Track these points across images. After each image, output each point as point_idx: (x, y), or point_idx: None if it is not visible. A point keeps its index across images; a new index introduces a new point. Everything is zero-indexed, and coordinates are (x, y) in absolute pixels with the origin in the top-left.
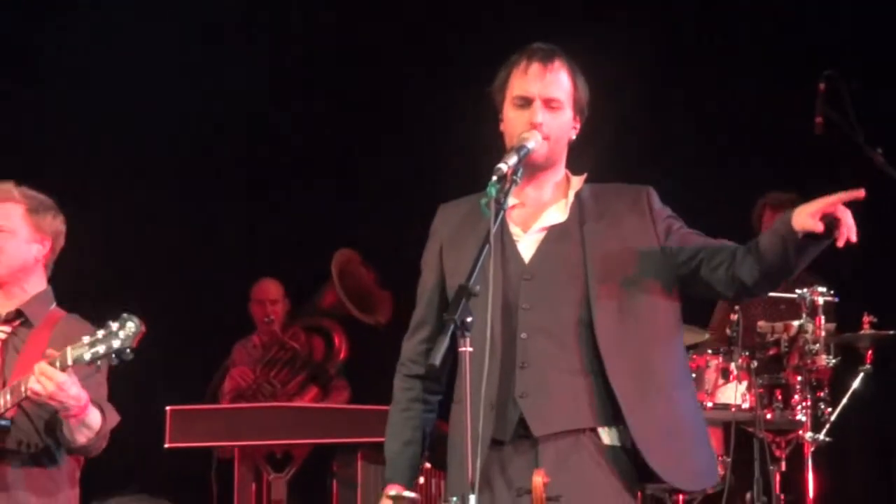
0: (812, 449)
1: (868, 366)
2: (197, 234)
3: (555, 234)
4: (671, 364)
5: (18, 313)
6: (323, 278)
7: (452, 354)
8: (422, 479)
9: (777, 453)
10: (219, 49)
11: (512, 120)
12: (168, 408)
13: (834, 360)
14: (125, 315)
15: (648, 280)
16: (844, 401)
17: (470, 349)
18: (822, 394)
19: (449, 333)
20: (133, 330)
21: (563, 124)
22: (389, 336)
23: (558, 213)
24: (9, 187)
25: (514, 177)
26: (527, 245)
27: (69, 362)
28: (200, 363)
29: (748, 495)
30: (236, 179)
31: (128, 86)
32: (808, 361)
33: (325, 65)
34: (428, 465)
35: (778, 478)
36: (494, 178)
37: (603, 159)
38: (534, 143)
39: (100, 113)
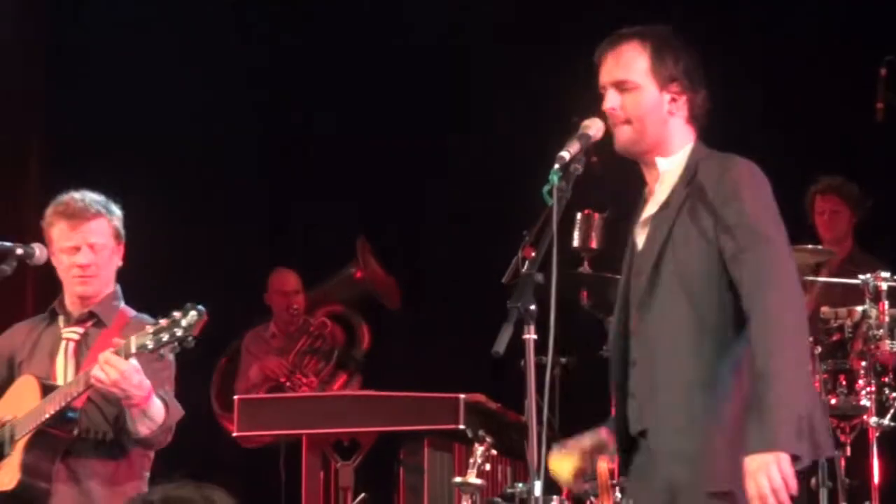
0: (877, 434)
1: None
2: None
3: (652, 227)
4: (702, 364)
5: (91, 314)
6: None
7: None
8: (488, 466)
9: (842, 438)
10: (239, 36)
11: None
12: (236, 397)
13: None
14: (188, 304)
15: (696, 278)
16: None
17: (534, 336)
18: (886, 379)
19: (513, 321)
20: (195, 318)
21: (643, 103)
22: (423, 327)
23: (653, 206)
24: (99, 201)
25: (576, 164)
26: (639, 239)
27: (133, 349)
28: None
29: (813, 480)
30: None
31: (145, 76)
32: (872, 347)
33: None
34: (494, 451)
35: (843, 463)
36: (557, 165)
37: None
38: (594, 129)
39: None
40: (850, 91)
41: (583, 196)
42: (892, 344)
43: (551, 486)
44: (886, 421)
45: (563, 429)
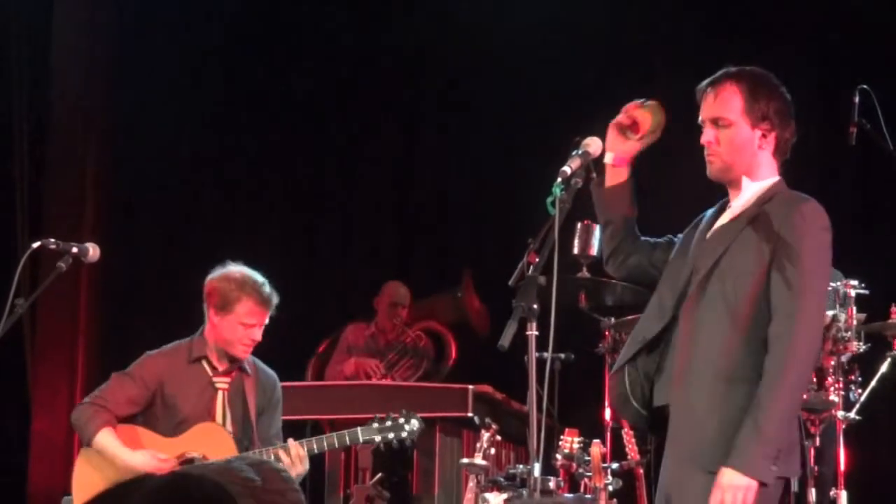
0: (843, 426)
1: (895, 351)
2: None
3: (716, 235)
4: (734, 360)
5: (236, 366)
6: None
7: None
8: (493, 450)
9: (812, 430)
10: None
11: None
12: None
13: (864, 347)
14: (409, 412)
15: (745, 289)
16: (873, 383)
17: (536, 333)
18: (852, 377)
19: (517, 319)
20: (417, 427)
21: (735, 138)
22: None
23: (728, 216)
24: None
25: (577, 178)
26: (706, 240)
27: (360, 440)
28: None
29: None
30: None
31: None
32: (841, 347)
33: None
34: (499, 437)
35: (812, 452)
36: (559, 179)
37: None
38: (594, 147)
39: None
40: (826, 116)
41: (583, 208)
42: (859, 345)
43: (549, 469)
44: (852, 415)
45: (560, 417)
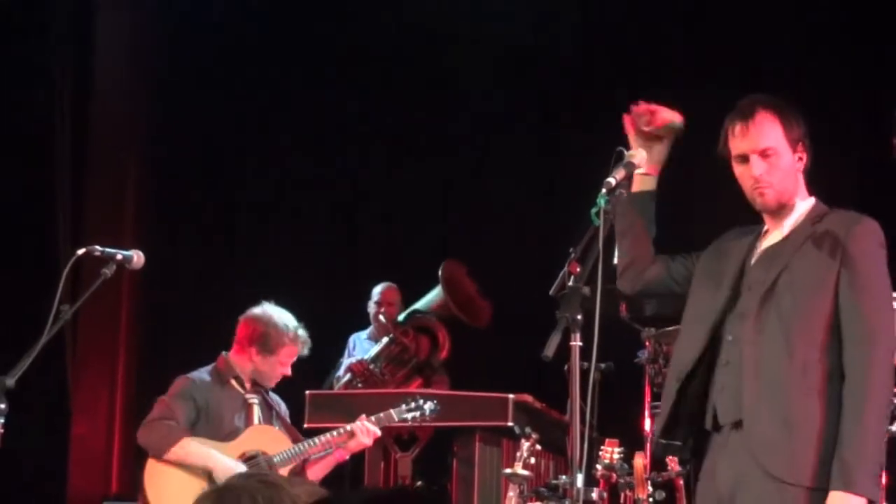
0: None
1: None
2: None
3: (769, 254)
4: (805, 374)
5: (257, 384)
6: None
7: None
8: (532, 460)
9: None
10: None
11: (739, 176)
12: (307, 392)
13: None
14: (426, 397)
15: (811, 304)
16: None
17: (580, 343)
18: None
19: (561, 329)
20: (434, 409)
21: (784, 166)
22: (482, 333)
23: (778, 236)
24: None
25: (621, 189)
26: (754, 259)
27: (395, 420)
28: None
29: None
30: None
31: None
32: None
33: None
34: (539, 447)
35: None
36: (604, 190)
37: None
38: (638, 159)
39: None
40: (868, 130)
41: None
42: None
43: (589, 479)
44: (893, 428)
45: (600, 427)
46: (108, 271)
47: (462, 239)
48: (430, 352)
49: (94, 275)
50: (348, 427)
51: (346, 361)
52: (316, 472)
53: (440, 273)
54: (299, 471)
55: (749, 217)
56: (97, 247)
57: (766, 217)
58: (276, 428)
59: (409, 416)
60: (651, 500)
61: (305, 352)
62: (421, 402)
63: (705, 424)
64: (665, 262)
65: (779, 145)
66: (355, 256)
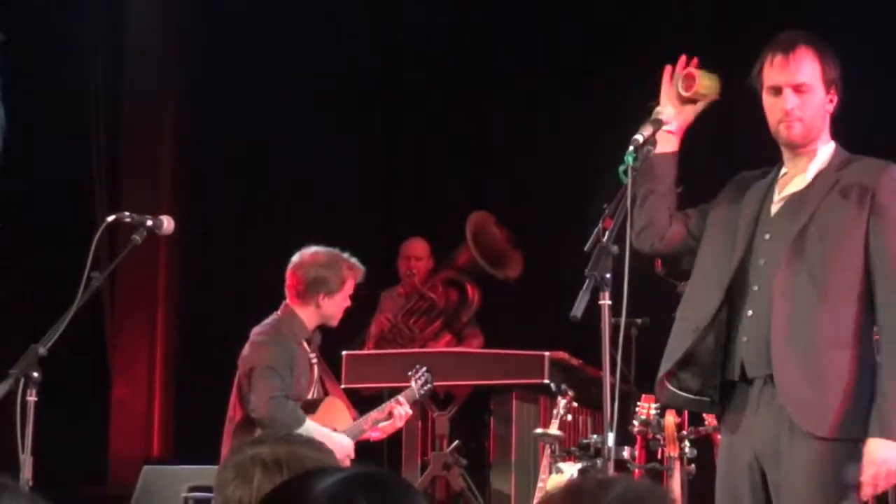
0: None
1: None
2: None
3: (794, 201)
4: (834, 325)
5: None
6: (463, 237)
7: None
8: (570, 417)
9: None
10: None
11: (768, 107)
12: (344, 353)
13: None
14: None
15: (841, 253)
16: None
17: (609, 302)
18: None
19: (590, 288)
20: (428, 374)
21: (816, 104)
22: (527, 290)
23: (801, 182)
24: None
25: (649, 146)
26: (775, 207)
27: (418, 396)
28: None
29: None
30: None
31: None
32: None
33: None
34: (575, 403)
35: None
36: (631, 147)
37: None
38: (666, 115)
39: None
40: None
41: None
42: None
43: (625, 435)
44: None
45: (637, 383)
46: (139, 237)
47: (496, 192)
48: (459, 306)
49: (128, 242)
50: (387, 407)
51: (377, 319)
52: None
53: (466, 225)
54: None
55: (764, 158)
56: (127, 213)
57: (786, 156)
58: (341, 402)
59: (424, 389)
60: (685, 458)
61: (361, 277)
62: (423, 370)
63: (730, 375)
64: (683, 220)
65: (814, 83)
66: (388, 212)
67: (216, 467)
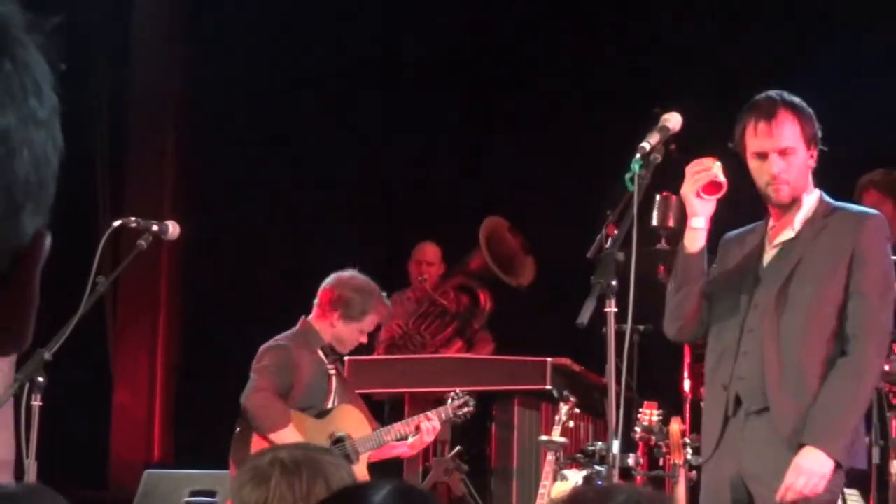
0: None
1: None
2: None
3: (784, 250)
4: (820, 362)
5: (338, 354)
6: (475, 243)
7: None
8: (571, 423)
9: (893, 401)
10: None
11: (755, 171)
12: (346, 358)
13: None
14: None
15: (823, 297)
16: None
17: (615, 309)
18: None
19: (596, 295)
20: (472, 405)
21: (800, 163)
22: (530, 296)
23: (790, 232)
24: None
25: (656, 154)
26: (767, 257)
27: (452, 416)
28: None
29: (867, 438)
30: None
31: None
32: None
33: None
34: (577, 410)
35: (894, 423)
36: (638, 155)
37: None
38: (673, 122)
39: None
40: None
41: (661, 178)
42: None
43: (627, 441)
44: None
45: (640, 389)
46: (144, 242)
47: (504, 198)
48: (470, 312)
49: (133, 247)
50: (413, 420)
51: (387, 324)
52: (377, 456)
53: (480, 230)
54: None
55: (745, 214)
56: (133, 218)
57: (773, 211)
58: (359, 410)
59: (460, 413)
60: (688, 464)
61: (387, 321)
62: (466, 397)
63: (726, 412)
64: (704, 306)
65: (797, 144)
66: (395, 216)
67: (217, 472)
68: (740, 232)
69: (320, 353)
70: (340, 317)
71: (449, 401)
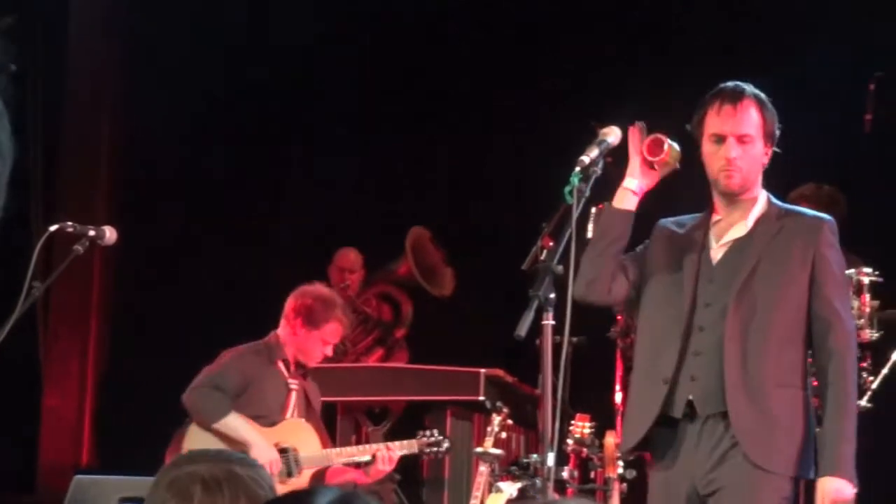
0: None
1: None
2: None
3: (737, 247)
4: (780, 366)
5: (302, 370)
6: (397, 252)
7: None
8: (504, 434)
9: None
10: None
11: (709, 154)
12: None
13: (876, 334)
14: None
15: (786, 300)
16: (885, 371)
17: (552, 322)
18: (864, 364)
19: (534, 308)
20: (446, 446)
21: (755, 155)
22: (449, 306)
23: (742, 229)
24: None
25: (595, 168)
26: (716, 254)
27: (416, 451)
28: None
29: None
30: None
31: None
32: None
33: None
34: (510, 421)
35: None
36: (577, 168)
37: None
38: (613, 137)
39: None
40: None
41: (597, 191)
42: (871, 332)
43: (559, 453)
44: (863, 403)
45: (571, 401)
46: (81, 247)
47: (431, 209)
48: (393, 321)
49: (67, 251)
50: (370, 448)
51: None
52: (332, 479)
53: (406, 239)
54: (320, 476)
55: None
56: (69, 223)
57: (721, 203)
58: (310, 426)
59: (427, 451)
60: (621, 478)
61: (347, 332)
62: (440, 438)
63: (672, 412)
64: (623, 271)
65: (756, 135)
66: (325, 225)
67: (147, 478)
68: (678, 220)
69: (281, 365)
70: (303, 324)
71: (421, 436)
